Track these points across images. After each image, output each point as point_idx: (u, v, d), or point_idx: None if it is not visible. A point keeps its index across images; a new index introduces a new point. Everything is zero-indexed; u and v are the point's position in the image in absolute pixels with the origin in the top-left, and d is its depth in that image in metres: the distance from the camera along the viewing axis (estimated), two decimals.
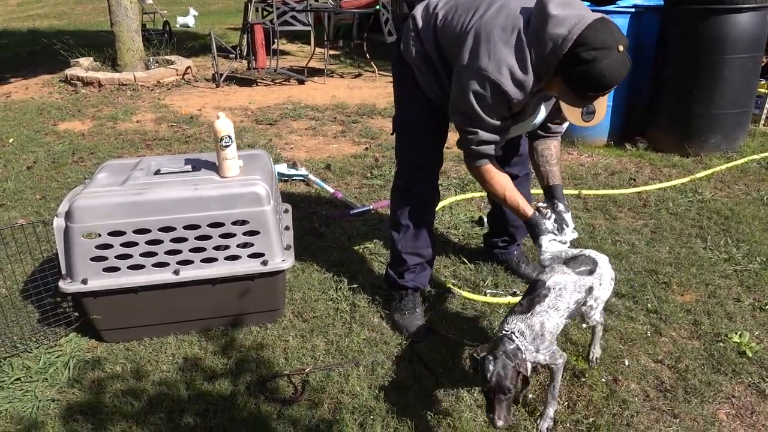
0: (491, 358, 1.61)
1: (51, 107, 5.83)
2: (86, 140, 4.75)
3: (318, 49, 8.09)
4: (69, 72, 6.86)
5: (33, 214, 3.40)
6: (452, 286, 2.56)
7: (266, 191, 2.11)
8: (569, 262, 1.90)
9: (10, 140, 4.77)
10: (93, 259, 2.04)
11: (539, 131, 2.17)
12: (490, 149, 2.00)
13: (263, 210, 2.10)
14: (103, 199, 2.02)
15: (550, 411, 1.84)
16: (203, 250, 2.10)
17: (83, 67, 7.10)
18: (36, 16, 15.09)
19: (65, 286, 2.05)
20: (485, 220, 3.12)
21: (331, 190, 3.55)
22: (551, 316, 1.76)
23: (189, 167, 2.24)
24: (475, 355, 1.68)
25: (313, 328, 2.30)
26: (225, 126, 2.10)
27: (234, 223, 2.10)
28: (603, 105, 1.86)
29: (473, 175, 2.17)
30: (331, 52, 8.22)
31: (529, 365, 1.68)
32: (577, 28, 1.70)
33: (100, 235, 2.02)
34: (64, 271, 2.07)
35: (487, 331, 2.28)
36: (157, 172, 2.21)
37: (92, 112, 5.64)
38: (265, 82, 6.98)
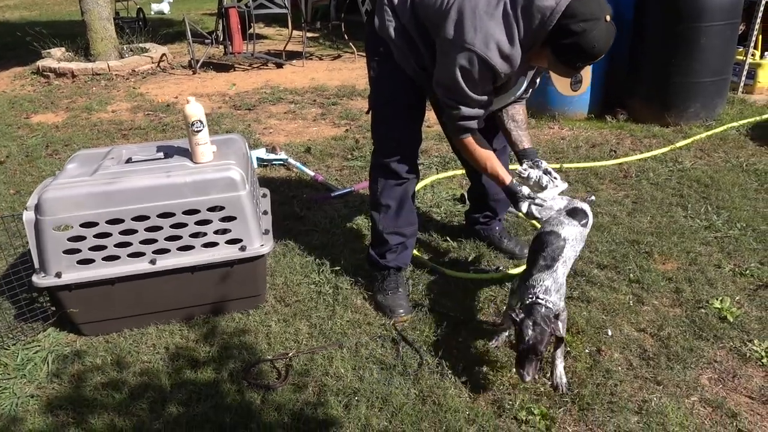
0: (530, 323, 1.73)
1: (23, 100, 5.71)
2: (60, 132, 4.65)
3: (296, 32, 7.97)
4: (41, 63, 6.71)
5: (7, 209, 3.33)
6: (435, 265, 2.55)
7: (241, 176, 2.08)
8: (572, 213, 2.03)
9: None
10: (66, 251, 1.99)
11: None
12: (472, 124, 2.03)
13: (238, 195, 2.07)
14: (73, 190, 1.97)
15: (560, 367, 1.88)
16: (179, 238, 2.07)
17: (55, 57, 6.94)
18: (6, 7, 14.71)
19: (39, 280, 2.00)
20: (467, 197, 3.11)
21: (312, 174, 3.51)
22: (567, 267, 1.91)
23: (161, 154, 2.19)
24: (513, 316, 1.77)
25: (295, 312, 2.28)
26: (195, 110, 2.05)
27: (209, 210, 2.06)
28: (587, 75, 1.87)
29: (456, 146, 2.19)
30: (309, 34, 8.10)
31: (561, 325, 1.78)
32: (565, 1, 1.69)
33: (71, 227, 1.97)
34: (37, 266, 2.03)
35: (472, 308, 2.28)
36: (129, 161, 2.16)
37: (66, 103, 5.53)
38: (242, 66, 6.88)
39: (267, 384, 1.92)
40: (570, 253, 1.94)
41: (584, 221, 2.05)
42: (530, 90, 2.20)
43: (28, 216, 1.99)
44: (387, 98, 2.20)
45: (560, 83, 1.88)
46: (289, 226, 2.93)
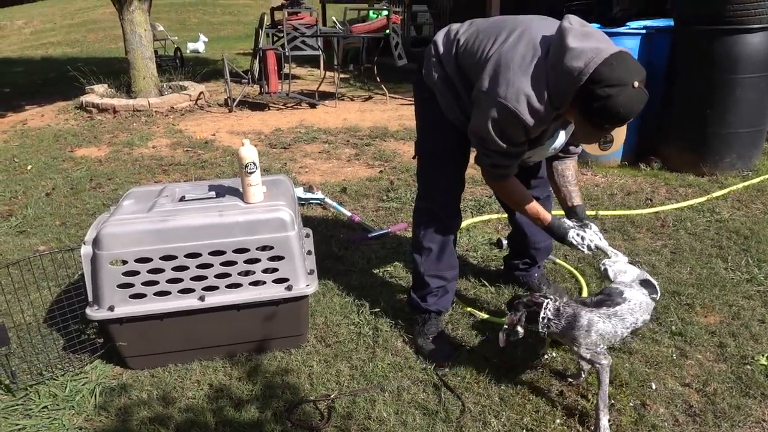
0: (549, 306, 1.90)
1: (67, 134, 5.92)
2: (103, 166, 4.81)
3: (328, 73, 8.19)
4: (84, 99, 6.97)
5: (53, 240, 3.43)
6: (473, 310, 2.56)
7: (290, 216, 2.13)
8: (644, 283, 2.02)
9: (29, 167, 4.84)
10: (120, 285, 2.05)
11: (563, 154, 2.20)
12: (506, 171, 2.07)
13: (287, 236, 2.12)
14: (131, 227, 2.04)
15: (603, 420, 1.86)
16: (228, 275, 2.12)
17: (98, 93, 7.21)
18: (49, 44, 15.40)
19: (92, 313, 2.06)
20: (504, 242, 3.12)
21: (348, 214, 3.56)
22: (612, 323, 1.88)
23: (213, 193, 2.27)
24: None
25: (336, 353, 2.30)
26: (250, 153, 2.13)
27: (259, 249, 2.11)
28: (621, 134, 1.89)
29: (492, 189, 2.27)
30: (341, 75, 8.32)
31: (604, 372, 1.86)
32: (593, 64, 1.70)
33: (126, 262, 2.04)
34: (90, 298, 2.09)
35: (513, 355, 2.27)
36: (182, 199, 2.23)
37: (108, 138, 5.72)
38: (277, 106, 7.07)
39: (311, 425, 1.93)
40: (628, 314, 1.90)
41: (653, 295, 2.02)
42: (579, 145, 2.23)
43: (86, 250, 2.06)
44: (432, 144, 2.26)
45: (588, 141, 1.91)
46: (328, 265, 2.97)
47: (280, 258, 2.13)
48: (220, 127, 6.05)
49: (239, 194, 2.23)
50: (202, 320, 2.14)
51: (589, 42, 1.75)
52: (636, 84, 1.69)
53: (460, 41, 2.05)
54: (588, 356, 1.88)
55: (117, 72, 7.92)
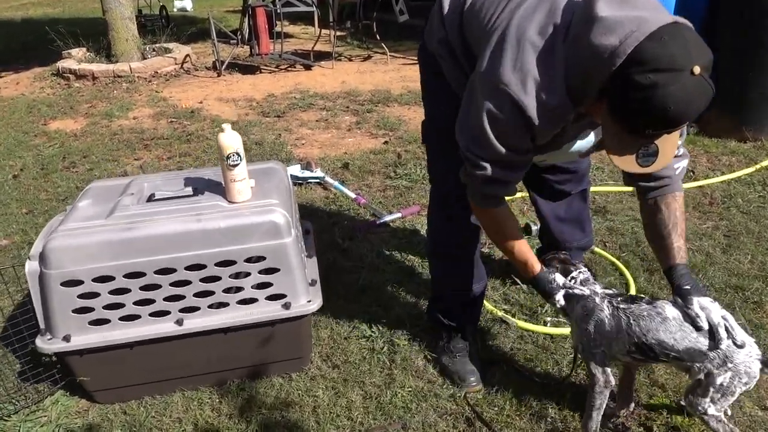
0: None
1: (42, 104, 5.43)
2: (79, 141, 4.35)
3: (323, 31, 7.61)
4: (61, 64, 6.44)
5: (18, 232, 3.02)
6: (505, 315, 2.17)
7: (285, 219, 1.72)
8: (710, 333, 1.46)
9: None
10: (76, 310, 1.66)
11: (640, 183, 1.57)
12: (500, 190, 1.53)
13: (283, 243, 1.71)
14: (84, 238, 1.63)
15: None
16: (211, 293, 1.71)
17: (76, 58, 6.67)
18: (30, 4, 14.61)
19: (44, 344, 1.67)
20: (533, 227, 2.72)
21: (353, 195, 3.14)
22: (616, 322, 1.52)
23: (189, 189, 1.85)
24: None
25: (346, 377, 1.92)
26: (231, 141, 1.70)
27: (247, 261, 1.70)
28: (669, 145, 1.30)
29: (475, 215, 1.71)
30: (338, 33, 7.73)
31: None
32: (633, 38, 1.18)
33: (83, 282, 1.63)
34: (42, 326, 1.69)
35: (554, 373, 1.90)
36: (151, 198, 1.81)
37: (86, 108, 5.24)
38: (269, 68, 6.54)
39: None
40: (642, 320, 1.49)
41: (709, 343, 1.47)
42: (683, 161, 1.57)
43: (31, 267, 1.65)
44: (443, 125, 1.79)
45: (619, 152, 1.34)
46: (331, 260, 2.57)
47: (274, 270, 1.73)
48: (208, 94, 5.56)
49: (221, 190, 1.81)
50: (181, 346, 1.75)
51: (627, 9, 1.22)
52: (697, 70, 1.16)
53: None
54: (581, 355, 1.61)
55: (99, 34, 7.34)
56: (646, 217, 1.61)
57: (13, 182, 3.66)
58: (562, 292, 1.58)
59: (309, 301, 1.79)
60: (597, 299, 1.56)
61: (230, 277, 1.71)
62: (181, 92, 5.66)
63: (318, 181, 3.38)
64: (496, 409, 1.78)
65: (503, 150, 1.41)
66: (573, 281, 1.62)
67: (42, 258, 1.62)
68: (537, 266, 1.60)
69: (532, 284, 1.66)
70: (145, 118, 4.88)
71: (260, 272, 1.72)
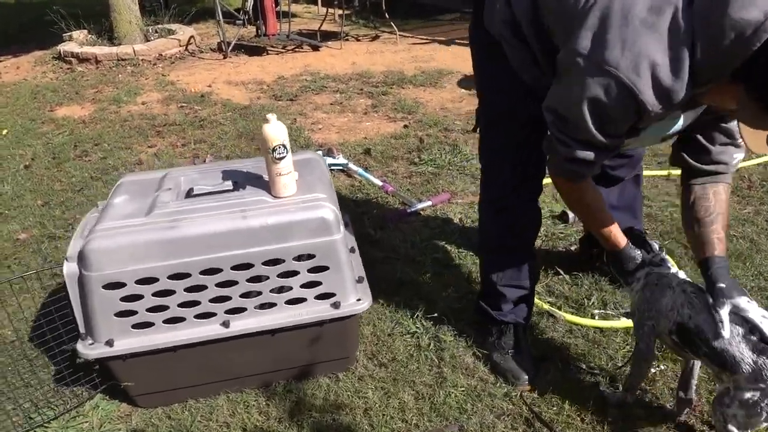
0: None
1: (46, 89, 5.29)
2: (88, 129, 4.23)
3: (327, 10, 7.44)
4: (63, 48, 6.27)
5: (36, 225, 2.93)
6: (552, 308, 2.10)
7: (334, 215, 1.63)
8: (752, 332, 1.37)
9: (4, 131, 4.26)
10: (119, 314, 1.58)
11: (694, 162, 1.52)
12: (584, 170, 1.46)
13: (332, 240, 1.63)
14: (126, 238, 1.54)
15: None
16: (258, 294, 1.64)
17: (77, 41, 6.50)
18: None
19: (86, 350, 1.59)
20: (569, 214, 2.64)
21: (379, 183, 3.05)
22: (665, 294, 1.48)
23: (229, 184, 1.75)
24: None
25: (395, 376, 1.85)
26: (277, 132, 1.60)
27: (296, 259, 1.62)
28: None
29: (557, 187, 1.63)
30: (340, 12, 7.56)
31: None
32: None
33: (125, 285, 1.55)
34: (82, 329, 1.62)
35: (609, 369, 1.83)
36: (190, 193, 1.72)
37: (92, 93, 5.10)
38: (275, 49, 6.38)
39: None
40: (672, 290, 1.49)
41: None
42: (739, 153, 1.51)
43: (70, 269, 1.57)
44: (500, 112, 1.71)
45: (752, 137, 1.26)
46: (364, 253, 2.47)
47: (323, 268, 1.65)
48: (216, 77, 5.42)
49: (264, 184, 1.72)
50: (227, 349, 1.68)
51: None
52: None
53: None
54: (633, 322, 1.62)
55: (99, 15, 7.15)
56: (688, 202, 1.55)
57: (25, 172, 3.55)
58: (645, 270, 1.51)
59: (359, 300, 1.71)
60: (672, 280, 1.50)
61: (278, 276, 1.63)
62: (188, 75, 5.51)
63: (341, 168, 3.28)
64: (554, 408, 1.71)
65: (598, 135, 1.34)
66: (653, 250, 1.60)
67: (81, 260, 1.54)
68: (623, 240, 1.55)
69: (612, 258, 1.58)
70: (154, 103, 4.75)
71: (309, 271, 1.64)
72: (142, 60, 6.03)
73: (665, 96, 1.24)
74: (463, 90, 4.66)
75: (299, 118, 4.24)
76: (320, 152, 3.36)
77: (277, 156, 1.61)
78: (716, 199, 1.50)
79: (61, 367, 1.85)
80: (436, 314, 2.09)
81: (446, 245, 2.52)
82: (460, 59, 5.65)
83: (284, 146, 1.61)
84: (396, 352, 1.95)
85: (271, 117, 1.61)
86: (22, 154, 3.84)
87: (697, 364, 1.60)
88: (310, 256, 1.63)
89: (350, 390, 1.80)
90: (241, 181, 1.76)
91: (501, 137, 1.74)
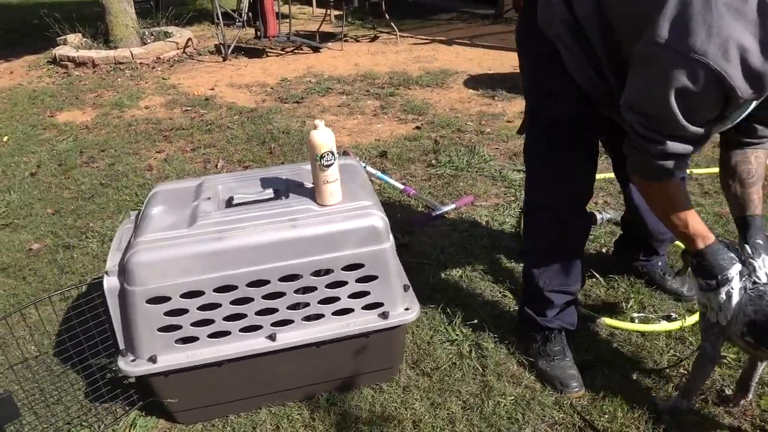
0: None
1: (44, 94, 5.18)
2: (93, 134, 4.14)
3: (321, 11, 7.38)
4: (58, 52, 6.15)
5: (48, 235, 2.85)
6: (591, 312, 2.07)
7: (384, 222, 1.58)
8: None
9: (4, 138, 4.16)
10: (162, 329, 1.52)
11: (741, 137, 1.53)
12: (675, 164, 1.40)
13: (382, 249, 1.58)
14: (171, 251, 1.48)
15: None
16: (305, 305, 1.59)
17: (73, 45, 6.38)
18: None
19: (128, 367, 1.53)
20: (599, 216, 2.61)
21: (401, 186, 3.00)
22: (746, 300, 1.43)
23: (270, 192, 1.70)
24: None
25: (440, 386, 1.81)
26: (325, 139, 1.55)
27: (345, 269, 1.57)
28: None
29: (639, 189, 1.62)
30: (337, 12, 7.50)
31: None
32: None
33: (170, 298, 1.49)
34: (122, 345, 1.56)
35: (655, 374, 1.80)
36: (230, 202, 1.66)
37: (92, 98, 5.00)
38: (275, 51, 6.32)
39: None
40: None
41: None
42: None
43: (110, 283, 1.51)
44: (553, 117, 1.68)
45: None
46: None
47: (372, 278, 1.60)
48: (218, 80, 5.34)
49: (306, 192, 1.66)
50: (272, 362, 1.62)
51: None
52: None
53: None
54: (701, 323, 1.57)
55: (91, 18, 7.03)
56: (729, 163, 1.57)
57: (31, 180, 3.46)
58: (737, 266, 1.45)
59: (407, 309, 1.66)
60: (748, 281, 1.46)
61: (326, 287, 1.58)
62: (189, 78, 5.43)
63: None
64: (606, 416, 1.68)
65: (688, 125, 1.30)
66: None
67: (124, 273, 1.48)
68: (711, 236, 1.49)
69: (698, 257, 1.50)
70: (157, 107, 4.67)
71: (357, 281, 1.59)
72: (140, 63, 5.94)
73: (757, 80, 1.22)
74: (470, 90, 4.64)
75: (308, 120, 4.18)
76: None
77: (326, 163, 1.56)
78: (757, 162, 1.55)
79: (91, 383, 1.78)
80: (475, 321, 2.05)
81: (476, 249, 2.48)
82: (462, 59, 5.64)
83: (332, 153, 1.56)
84: (438, 360, 1.90)
85: (320, 123, 1.56)
86: (27, 161, 3.74)
87: (762, 365, 1.58)
88: (359, 266, 1.58)
89: (396, 401, 1.75)
90: (282, 189, 1.71)
91: (551, 143, 1.70)
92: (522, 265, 2.04)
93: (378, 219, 1.57)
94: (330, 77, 5.23)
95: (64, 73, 5.86)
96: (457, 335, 2.00)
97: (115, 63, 5.93)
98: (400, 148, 3.57)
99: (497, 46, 6.00)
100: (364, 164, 3.23)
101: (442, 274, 2.33)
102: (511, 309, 2.11)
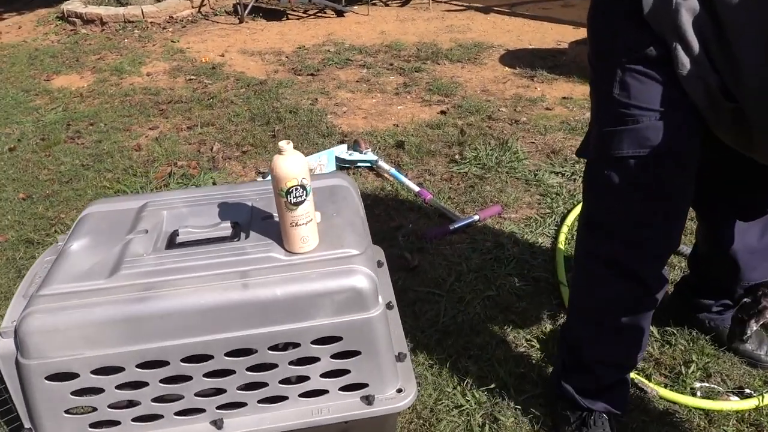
0: None
1: (45, 54, 4.83)
2: (85, 104, 3.78)
3: None
4: (66, 7, 5.76)
5: (14, 225, 2.52)
6: (642, 380, 1.64)
7: (371, 281, 1.16)
8: None
9: None
10: (70, 411, 1.15)
11: None
12: None
13: (367, 318, 1.16)
14: (76, 313, 1.09)
15: None
16: (262, 386, 1.19)
17: (82, 0, 5.98)
18: None
19: None
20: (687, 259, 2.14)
21: (416, 188, 2.56)
22: None
23: (227, 225, 1.29)
24: None
25: None
26: (294, 168, 1.12)
27: (316, 342, 1.17)
28: None
29: None
30: None
31: None
32: None
33: (78, 375, 1.11)
34: (27, 425, 1.19)
35: None
36: (173, 240, 1.26)
37: (93, 60, 4.63)
38: (296, 13, 5.82)
39: None
40: None
41: None
42: None
43: (5, 349, 1.13)
44: (640, 145, 1.21)
45: None
46: (400, 283, 2.02)
47: (353, 354, 1.19)
48: (230, 45, 4.90)
49: (275, 227, 1.25)
50: None
51: None
52: None
53: None
54: None
55: None
56: None
57: (9, 156, 3.13)
58: None
59: (399, 391, 1.25)
60: None
61: (290, 363, 1.17)
62: (200, 42, 5.00)
63: (369, 165, 2.80)
64: None
65: None
66: None
67: (17, 343, 1.10)
68: None
69: None
70: (159, 74, 4.27)
71: (333, 357, 1.19)
72: (150, 23, 5.52)
73: None
74: (506, 68, 4.11)
75: (321, 97, 3.74)
76: (345, 146, 2.88)
77: (294, 200, 1.13)
78: None
79: None
80: (490, 380, 1.64)
81: (500, 279, 2.05)
82: (500, 30, 5.06)
83: (303, 187, 1.13)
84: None
85: (286, 146, 1.12)
86: (9, 133, 3.41)
87: None
88: (336, 338, 1.17)
89: None
90: (244, 221, 1.29)
91: (632, 179, 1.23)
92: (562, 315, 1.61)
93: (362, 278, 1.15)
94: (351, 46, 4.74)
95: (72, 30, 5.49)
96: (467, 401, 1.59)
97: (124, 21, 5.53)
98: (420, 137, 3.11)
99: (540, 16, 5.38)
100: (376, 158, 2.80)
101: (456, 311, 1.90)
102: (541, 369, 1.68)
